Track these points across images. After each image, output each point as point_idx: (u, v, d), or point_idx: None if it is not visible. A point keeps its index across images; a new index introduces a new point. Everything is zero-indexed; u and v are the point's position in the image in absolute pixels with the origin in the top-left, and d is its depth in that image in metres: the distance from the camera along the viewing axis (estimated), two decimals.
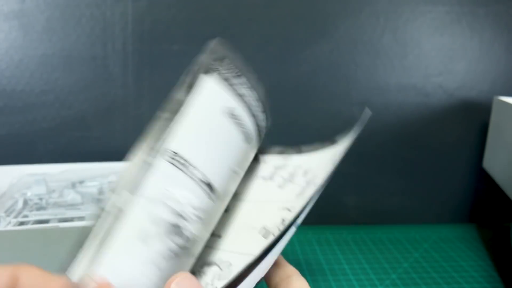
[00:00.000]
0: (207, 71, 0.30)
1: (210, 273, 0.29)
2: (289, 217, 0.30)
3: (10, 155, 0.54)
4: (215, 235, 0.32)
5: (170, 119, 0.28)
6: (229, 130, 0.30)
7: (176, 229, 0.26)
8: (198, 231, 0.27)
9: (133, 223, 0.24)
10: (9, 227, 0.37)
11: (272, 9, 0.57)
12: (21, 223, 0.38)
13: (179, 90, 0.28)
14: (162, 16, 0.54)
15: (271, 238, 0.28)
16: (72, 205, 0.43)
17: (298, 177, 0.35)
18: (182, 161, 0.27)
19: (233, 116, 0.30)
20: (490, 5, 0.57)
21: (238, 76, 0.31)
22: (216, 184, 0.28)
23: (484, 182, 0.62)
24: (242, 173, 0.32)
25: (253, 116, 0.32)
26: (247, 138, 0.32)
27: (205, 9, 0.55)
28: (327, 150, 0.35)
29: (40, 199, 0.44)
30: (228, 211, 0.33)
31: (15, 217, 0.40)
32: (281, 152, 0.38)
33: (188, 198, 0.27)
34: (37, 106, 0.53)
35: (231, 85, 0.30)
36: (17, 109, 0.53)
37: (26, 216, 0.40)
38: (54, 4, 0.52)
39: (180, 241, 0.26)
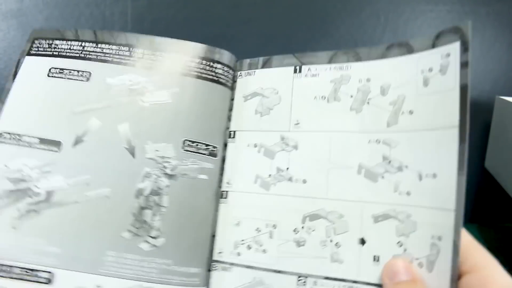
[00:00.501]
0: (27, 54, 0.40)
1: (321, 228, 0.35)
2: (392, 154, 0.33)
3: None
4: (298, 181, 0.36)
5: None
6: (54, 86, 0.38)
7: (19, 193, 0.35)
8: (52, 183, 0.35)
9: None
10: None
11: (272, 9, 0.57)
12: None
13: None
14: (161, 15, 0.54)
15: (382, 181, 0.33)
16: None
17: (376, 97, 0.35)
18: (10, 136, 0.36)
19: (55, 73, 0.39)
20: (492, 4, 0.57)
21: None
22: (54, 137, 0.37)
23: (486, 182, 0.62)
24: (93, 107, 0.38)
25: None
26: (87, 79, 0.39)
27: (204, 8, 0.55)
28: (402, 59, 0.34)
29: None
30: (297, 148, 0.37)
31: None
32: (333, 59, 0.38)
33: (27, 163, 0.36)
34: None
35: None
36: None
37: None
38: (53, 3, 0.53)
39: (30, 200, 0.35)
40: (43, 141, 0.36)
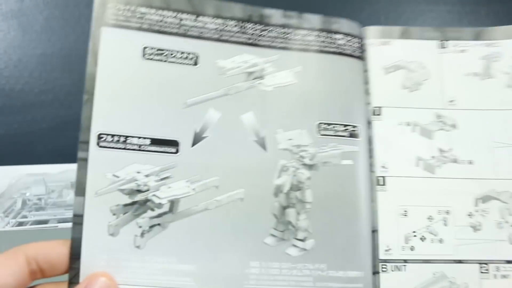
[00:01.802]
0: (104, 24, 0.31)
1: (494, 210, 0.33)
2: None
3: (9, 155, 0.51)
4: (464, 162, 0.33)
5: (89, 100, 0.29)
6: (154, 72, 0.31)
7: (138, 206, 0.29)
8: (175, 190, 0.30)
9: (97, 222, 0.28)
10: (8, 228, 0.39)
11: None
12: (20, 224, 0.40)
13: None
14: None
15: None
16: (72, 206, 0.39)
17: None
18: (113, 139, 0.29)
19: (152, 54, 0.31)
20: (492, 4, 0.61)
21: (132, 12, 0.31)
22: (169, 136, 0.30)
23: None
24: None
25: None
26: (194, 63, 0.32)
27: None
28: None
29: (39, 199, 0.44)
30: (455, 127, 0.34)
31: (14, 217, 0.41)
32: (480, 36, 0.35)
33: (141, 169, 0.29)
34: (36, 106, 0.52)
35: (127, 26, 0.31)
36: (16, 109, 0.52)
37: (25, 216, 0.41)
38: (53, 3, 0.52)
39: (152, 213, 0.29)
40: (156, 141, 0.30)
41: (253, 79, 0.32)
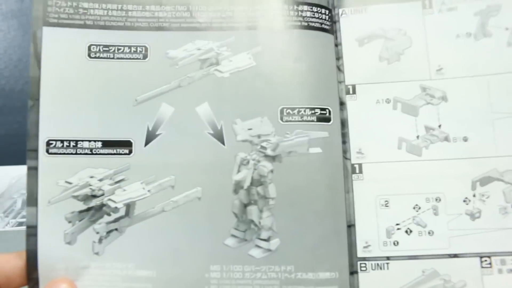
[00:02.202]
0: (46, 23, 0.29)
1: (497, 193, 0.28)
2: None
3: (10, 155, 0.51)
4: (457, 139, 0.29)
5: (35, 106, 0.28)
6: (102, 71, 0.29)
7: (93, 212, 0.28)
8: (130, 193, 0.28)
9: (52, 232, 0.27)
10: (8, 228, 0.38)
11: None
12: (20, 224, 0.39)
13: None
14: None
15: None
16: None
17: None
18: (63, 144, 0.28)
19: (98, 52, 0.29)
20: None
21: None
22: (121, 137, 0.29)
23: None
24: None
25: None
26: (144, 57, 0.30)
27: None
28: None
29: None
30: (445, 99, 0.29)
31: (14, 217, 0.41)
32: None
33: (94, 174, 0.28)
34: None
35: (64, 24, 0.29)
36: (16, 109, 0.52)
37: (25, 216, 0.38)
38: None
39: (108, 218, 0.28)
40: (108, 143, 0.29)
41: (208, 66, 0.30)
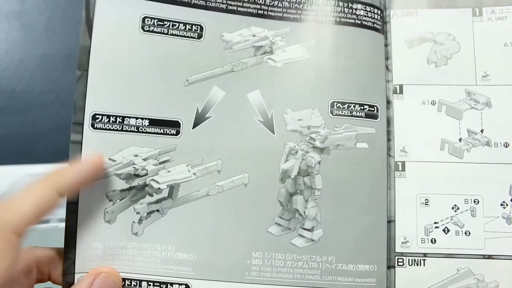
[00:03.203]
0: None
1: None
2: None
3: (10, 155, 0.52)
4: (499, 144, 0.30)
5: (83, 77, 0.27)
6: (154, 46, 0.28)
7: (135, 192, 0.28)
8: (174, 175, 0.28)
9: (92, 209, 0.27)
10: None
11: None
12: None
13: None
14: None
15: None
16: None
17: None
18: (109, 120, 0.27)
19: (152, 25, 0.29)
20: None
21: None
22: (169, 116, 0.28)
23: None
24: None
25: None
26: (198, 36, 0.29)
27: None
28: None
29: None
30: (489, 105, 0.30)
31: None
32: None
33: (139, 152, 0.28)
34: (38, 106, 0.52)
35: None
36: (17, 109, 0.52)
37: None
38: (54, 4, 0.52)
39: (150, 198, 0.28)
40: (155, 122, 0.28)
41: (262, 54, 0.30)
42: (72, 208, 0.27)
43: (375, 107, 0.29)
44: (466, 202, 0.29)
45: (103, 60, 0.28)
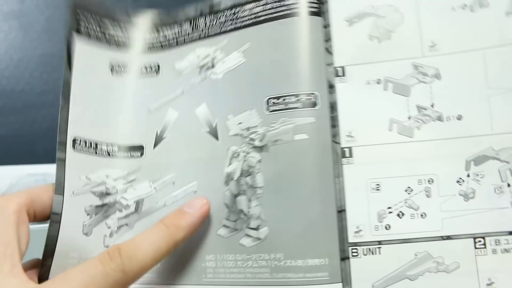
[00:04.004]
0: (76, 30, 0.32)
1: (492, 172, 0.27)
2: None
3: (10, 155, 0.53)
4: (451, 118, 0.28)
5: (66, 104, 0.31)
6: (121, 85, 0.33)
7: (107, 208, 0.30)
8: (139, 191, 0.31)
9: (73, 221, 0.29)
10: None
11: None
12: None
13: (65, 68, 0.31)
14: None
15: None
16: None
17: None
18: (86, 144, 0.31)
19: (117, 72, 0.33)
20: None
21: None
22: (135, 142, 0.32)
23: None
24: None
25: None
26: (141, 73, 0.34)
27: None
28: None
29: None
30: (439, 76, 0.29)
31: None
32: None
33: (110, 174, 0.31)
34: (37, 106, 0.53)
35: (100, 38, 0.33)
36: (17, 109, 0.53)
37: None
38: (54, 4, 0.54)
39: (119, 214, 0.30)
40: (123, 148, 0.32)
41: (205, 70, 0.31)
42: (56, 219, 0.28)
43: (313, 95, 0.28)
44: (420, 183, 0.27)
45: (80, 92, 0.31)
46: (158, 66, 0.33)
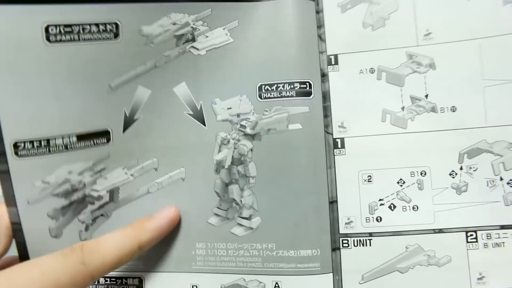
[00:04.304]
0: None
1: (485, 165, 0.27)
2: None
3: None
4: (445, 109, 0.27)
5: None
6: (66, 56, 0.25)
7: (76, 205, 0.28)
8: (112, 179, 0.28)
9: (36, 228, 0.26)
10: None
11: None
12: None
13: None
14: None
15: None
16: None
17: None
18: (33, 145, 0.25)
19: (58, 34, 0.25)
20: None
21: None
22: (96, 128, 0.27)
23: None
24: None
25: None
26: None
27: None
28: None
29: None
30: (433, 66, 0.27)
31: None
32: None
33: (72, 169, 0.27)
34: None
35: None
36: None
37: None
38: None
39: (92, 207, 0.28)
40: (82, 137, 0.26)
41: (184, 43, 0.28)
42: (17, 228, 0.26)
43: (307, 84, 0.27)
44: (413, 175, 0.27)
45: (10, 82, 0.24)
46: (117, 26, 0.26)
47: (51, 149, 0.26)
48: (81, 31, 0.25)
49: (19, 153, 0.25)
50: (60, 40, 0.25)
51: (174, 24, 0.27)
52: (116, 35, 0.26)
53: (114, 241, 0.24)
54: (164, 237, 0.27)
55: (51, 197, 0.26)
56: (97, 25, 0.25)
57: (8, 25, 0.24)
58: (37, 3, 0.24)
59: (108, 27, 0.26)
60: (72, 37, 0.25)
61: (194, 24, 0.27)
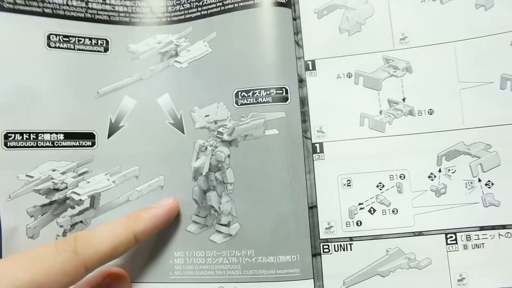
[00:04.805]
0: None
1: (463, 167, 0.27)
2: None
3: None
4: (423, 112, 0.28)
5: None
6: (61, 61, 0.29)
7: (56, 206, 0.28)
8: (94, 185, 0.28)
9: (14, 227, 0.27)
10: None
11: None
12: None
13: None
14: None
15: None
16: None
17: None
18: (22, 137, 0.28)
19: (58, 42, 0.29)
20: None
21: None
22: (83, 128, 0.29)
23: None
24: None
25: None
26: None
27: None
28: None
29: None
30: (410, 70, 0.28)
31: None
32: None
33: (56, 166, 0.28)
34: None
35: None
36: None
37: None
38: None
39: (72, 211, 0.28)
40: (70, 135, 0.28)
41: (168, 58, 0.29)
42: None
43: (284, 89, 0.27)
44: (392, 178, 0.27)
45: (11, 78, 0.28)
46: (107, 42, 0.29)
47: (38, 143, 0.27)
48: (76, 42, 0.29)
49: (8, 144, 0.27)
50: (59, 47, 0.29)
51: (159, 43, 0.29)
52: (106, 49, 0.30)
53: (108, 230, 0.23)
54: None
55: (32, 193, 0.27)
56: (90, 39, 0.29)
57: (17, 30, 0.28)
58: (44, 16, 0.29)
59: (100, 41, 0.29)
60: (69, 46, 0.29)
61: (177, 41, 0.29)
